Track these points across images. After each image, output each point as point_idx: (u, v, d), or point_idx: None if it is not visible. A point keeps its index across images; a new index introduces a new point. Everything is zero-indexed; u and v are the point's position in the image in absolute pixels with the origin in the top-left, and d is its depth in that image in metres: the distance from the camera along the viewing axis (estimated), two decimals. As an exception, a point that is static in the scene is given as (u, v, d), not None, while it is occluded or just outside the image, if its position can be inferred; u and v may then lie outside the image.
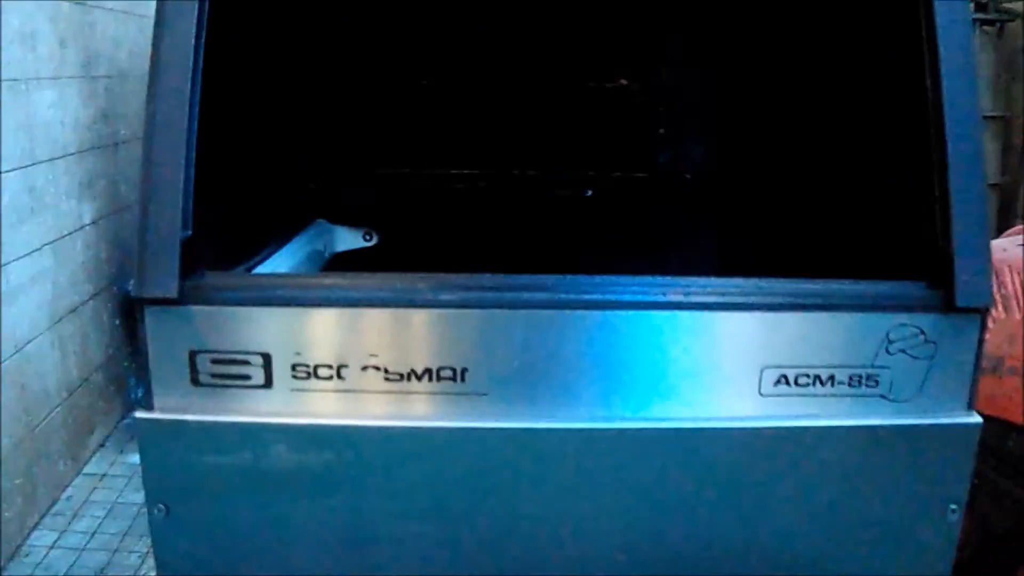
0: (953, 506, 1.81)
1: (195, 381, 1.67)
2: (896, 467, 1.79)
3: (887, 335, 1.74)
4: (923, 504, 1.82)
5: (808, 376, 1.74)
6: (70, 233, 4.31)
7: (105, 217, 4.63)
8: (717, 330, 1.74)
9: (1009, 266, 3.53)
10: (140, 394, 1.71)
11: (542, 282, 1.70)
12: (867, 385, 1.75)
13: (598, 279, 1.70)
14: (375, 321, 1.70)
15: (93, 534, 3.98)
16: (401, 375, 1.69)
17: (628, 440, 1.73)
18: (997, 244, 3.81)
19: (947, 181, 1.69)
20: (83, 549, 3.87)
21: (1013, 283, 3.49)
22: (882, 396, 1.76)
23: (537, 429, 1.70)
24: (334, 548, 1.73)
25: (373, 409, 1.69)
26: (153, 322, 1.65)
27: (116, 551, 3.86)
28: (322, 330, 1.69)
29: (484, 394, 1.70)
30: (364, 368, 1.68)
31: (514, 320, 1.68)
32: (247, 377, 1.67)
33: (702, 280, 1.72)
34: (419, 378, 1.69)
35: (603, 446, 1.73)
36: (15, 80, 3.80)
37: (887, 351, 1.75)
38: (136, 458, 4.43)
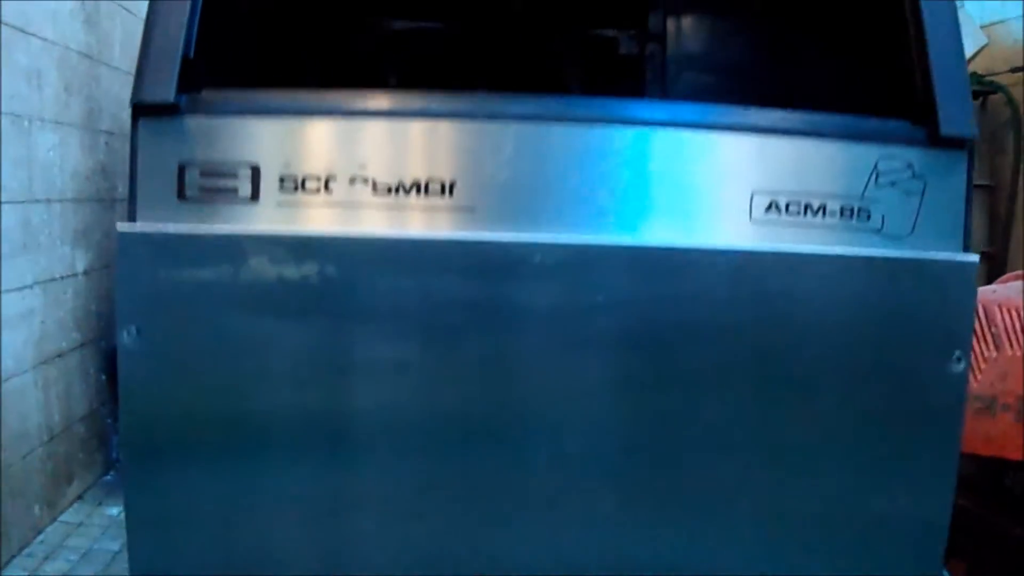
0: (957, 353, 1.76)
1: (181, 195, 1.65)
2: (893, 304, 1.76)
3: (875, 167, 1.74)
4: (925, 348, 1.77)
5: (799, 204, 1.73)
6: (62, 278, 4.31)
7: (98, 271, 4.63)
8: (706, 151, 1.73)
9: (999, 304, 3.54)
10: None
11: (532, 97, 1.70)
12: (859, 218, 1.74)
13: (589, 98, 1.71)
14: (365, 132, 1.69)
15: (64, 576, 3.86)
16: (389, 188, 1.66)
17: (616, 257, 1.70)
18: (988, 288, 3.83)
19: (922, 22, 1.73)
20: (53, 590, 3.74)
21: (1003, 320, 3.50)
22: (876, 231, 1.75)
23: (524, 243, 1.67)
24: (312, 368, 1.67)
25: (359, 223, 1.67)
26: (145, 133, 1.64)
27: (87, 592, 3.73)
28: (312, 141, 1.68)
29: (472, 208, 1.67)
30: (352, 181, 1.66)
31: (504, 133, 1.67)
32: (234, 190, 1.65)
33: (693, 104, 1.73)
34: (407, 191, 1.67)
35: (591, 263, 1.69)
36: (18, 116, 3.87)
37: (876, 183, 1.74)
38: (115, 510, 4.36)
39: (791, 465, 1.79)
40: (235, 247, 1.64)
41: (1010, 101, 6.15)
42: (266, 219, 1.66)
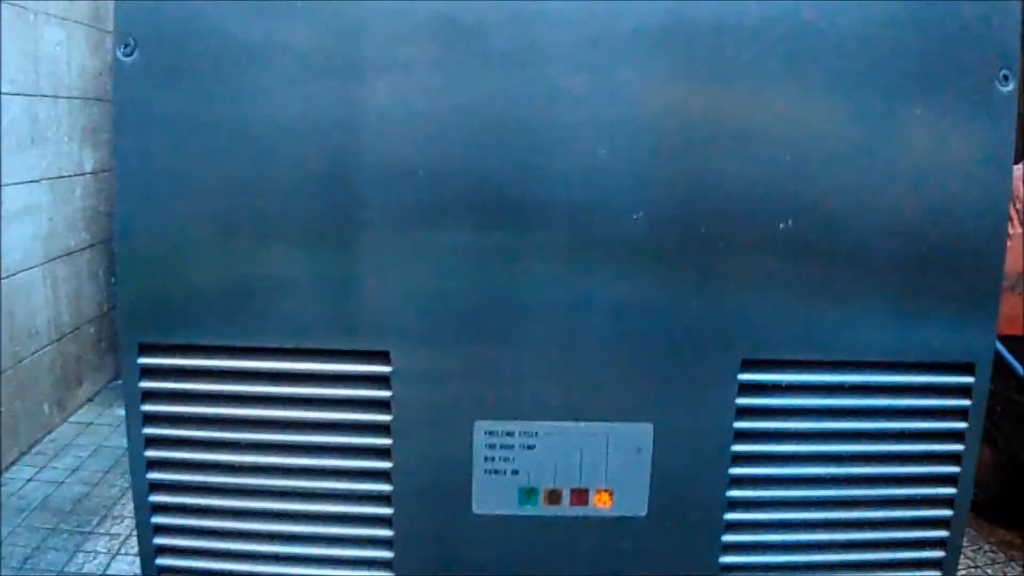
0: (1004, 71, 1.64)
1: None
2: (931, 15, 1.63)
3: None
4: (968, 66, 1.63)
5: None
6: (70, 175, 4.27)
7: (107, 171, 4.58)
8: None
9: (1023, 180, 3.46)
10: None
11: None
12: None
13: None
14: None
15: (74, 471, 3.83)
16: None
17: None
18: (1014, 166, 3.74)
19: None
20: (62, 483, 3.72)
21: (1029, 195, 3.42)
22: None
23: None
24: (322, 67, 1.54)
25: None
26: None
27: (96, 485, 3.71)
28: None
29: None
30: None
31: None
32: None
33: None
34: None
35: None
36: (23, 7, 3.82)
37: None
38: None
39: (821, 179, 1.64)
40: None
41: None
42: None
